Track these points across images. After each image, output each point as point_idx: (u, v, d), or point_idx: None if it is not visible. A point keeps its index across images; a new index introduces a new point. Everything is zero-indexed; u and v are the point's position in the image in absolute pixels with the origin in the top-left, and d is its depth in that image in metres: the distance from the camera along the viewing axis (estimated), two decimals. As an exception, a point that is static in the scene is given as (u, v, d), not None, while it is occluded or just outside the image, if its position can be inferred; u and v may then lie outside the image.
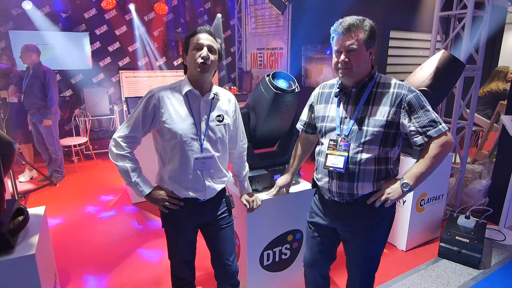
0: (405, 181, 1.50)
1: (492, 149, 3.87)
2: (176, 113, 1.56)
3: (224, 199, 1.78)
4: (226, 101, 1.70)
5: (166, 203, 1.62)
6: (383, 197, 1.52)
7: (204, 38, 1.53)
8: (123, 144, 1.56)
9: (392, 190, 1.51)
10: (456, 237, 2.77)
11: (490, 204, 3.34)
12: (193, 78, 1.58)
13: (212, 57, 1.54)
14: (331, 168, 1.55)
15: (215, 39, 1.57)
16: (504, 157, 3.43)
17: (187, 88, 1.57)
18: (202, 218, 1.72)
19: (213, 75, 1.62)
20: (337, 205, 1.63)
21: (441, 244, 2.82)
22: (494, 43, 5.35)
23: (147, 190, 1.60)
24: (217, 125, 1.63)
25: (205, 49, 1.52)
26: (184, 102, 1.58)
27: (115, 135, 1.58)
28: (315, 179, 1.73)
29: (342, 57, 1.47)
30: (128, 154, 1.57)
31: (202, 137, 1.59)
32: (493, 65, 5.30)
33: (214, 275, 1.85)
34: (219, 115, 1.64)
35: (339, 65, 1.49)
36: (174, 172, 1.60)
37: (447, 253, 2.80)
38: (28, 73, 4.14)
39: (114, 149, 1.56)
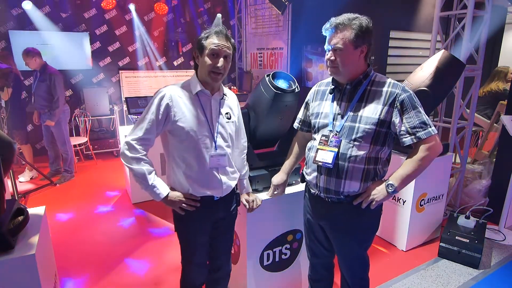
0: (390, 182, 1.52)
1: (492, 149, 3.87)
2: (189, 112, 1.56)
3: (234, 196, 1.81)
4: (233, 100, 1.75)
5: (184, 204, 1.61)
6: (369, 199, 1.54)
7: (222, 44, 1.50)
8: (138, 147, 1.52)
9: (378, 191, 1.53)
10: (456, 237, 2.77)
11: (490, 204, 3.34)
12: (204, 80, 1.59)
13: (227, 65, 1.54)
14: (320, 163, 1.56)
15: (231, 44, 1.55)
16: (504, 157, 3.43)
17: (198, 88, 1.58)
18: (217, 215, 1.73)
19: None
20: (323, 203, 1.65)
21: (441, 244, 2.82)
22: (494, 43, 5.35)
23: (164, 192, 1.58)
24: (226, 122, 1.66)
25: (221, 59, 1.51)
26: (195, 100, 1.59)
27: (127, 138, 1.54)
28: (304, 173, 1.75)
29: (329, 54, 1.51)
30: (143, 157, 1.54)
31: (215, 134, 1.61)
32: (493, 65, 5.30)
33: (209, 264, 1.87)
34: (227, 113, 1.68)
35: (327, 62, 1.54)
36: (190, 171, 1.60)
37: (447, 253, 2.80)
38: (36, 76, 4.21)
39: (128, 153, 1.52)
